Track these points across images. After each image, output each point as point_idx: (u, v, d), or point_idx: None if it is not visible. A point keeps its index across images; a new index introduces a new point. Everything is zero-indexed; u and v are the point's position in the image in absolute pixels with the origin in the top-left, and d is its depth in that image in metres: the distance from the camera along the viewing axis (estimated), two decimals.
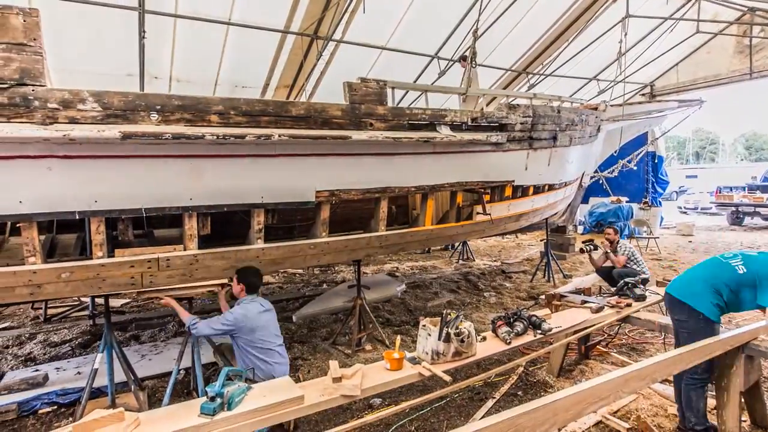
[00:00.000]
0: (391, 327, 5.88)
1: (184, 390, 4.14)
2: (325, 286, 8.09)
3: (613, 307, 4.05)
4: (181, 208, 3.43)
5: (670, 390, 3.77)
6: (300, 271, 9.17)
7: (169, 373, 4.34)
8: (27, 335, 5.63)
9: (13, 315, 6.45)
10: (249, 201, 3.70)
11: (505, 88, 10.90)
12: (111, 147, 3.03)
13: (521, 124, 5.32)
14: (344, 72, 5.69)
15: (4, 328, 5.91)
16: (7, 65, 2.71)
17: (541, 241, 9.93)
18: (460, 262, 10.25)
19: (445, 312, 2.96)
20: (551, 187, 6.78)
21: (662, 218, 14.95)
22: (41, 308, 6.37)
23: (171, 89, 7.38)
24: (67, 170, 2.97)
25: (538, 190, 6.40)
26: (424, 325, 2.97)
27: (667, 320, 3.81)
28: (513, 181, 5.64)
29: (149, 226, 4.52)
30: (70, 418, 3.72)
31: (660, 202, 14.67)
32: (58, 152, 2.91)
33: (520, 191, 5.98)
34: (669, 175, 15.38)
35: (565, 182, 7.33)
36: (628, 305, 4.09)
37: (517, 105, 5.41)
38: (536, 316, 3.55)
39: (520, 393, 4.04)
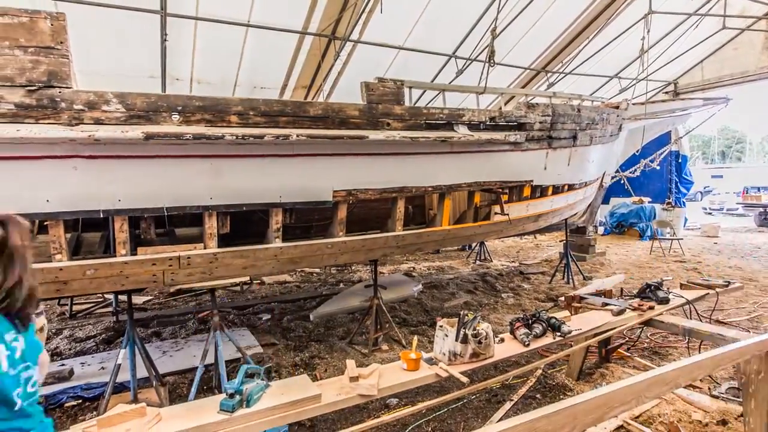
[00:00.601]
0: (408, 327, 5.87)
1: (204, 387, 4.20)
2: (341, 285, 8.13)
3: (635, 309, 3.96)
4: (201, 207, 3.48)
5: (694, 395, 3.67)
6: (317, 270, 9.23)
7: (190, 370, 4.43)
8: (53, 330, 5.80)
9: (41, 311, 6.64)
10: (267, 200, 3.74)
11: (523, 87, 10.78)
12: (134, 147, 3.09)
13: (540, 123, 5.25)
14: (361, 72, 5.71)
15: None
16: (36, 68, 2.79)
17: (560, 241, 9.80)
18: (478, 262, 10.17)
19: (462, 313, 2.94)
20: (571, 187, 6.67)
21: (686, 219, 14.58)
22: (67, 304, 6.55)
23: (192, 90, 7.51)
24: (92, 170, 3.04)
25: (557, 190, 6.30)
26: (441, 326, 2.96)
27: (691, 324, 3.71)
28: (532, 180, 5.57)
29: (170, 225, 4.60)
30: (94, 412, 3.81)
31: (684, 202, 14.30)
32: (84, 152, 2.99)
33: (539, 191, 5.90)
34: (693, 175, 14.98)
35: (585, 182, 7.20)
36: (651, 308, 4.00)
37: (536, 104, 5.34)
38: (555, 318, 3.50)
39: (538, 396, 3.98)
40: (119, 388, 3.91)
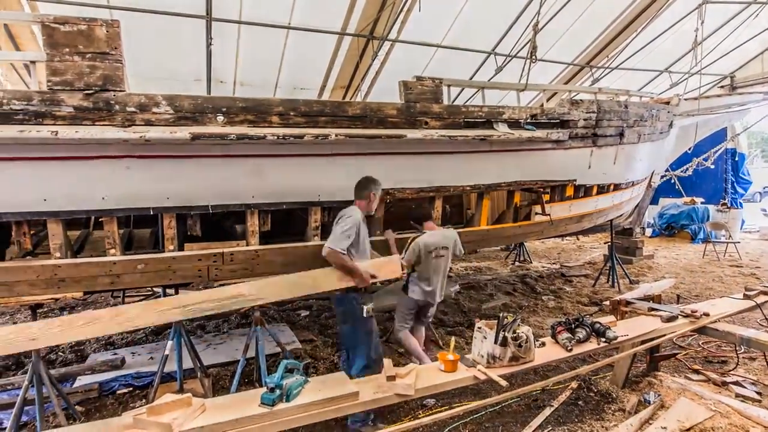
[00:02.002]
0: (444, 328, 5.82)
1: (246, 380, 4.32)
2: (378, 284, 8.14)
3: (687, 316, 3.75)
4: (244, 205, 3.58)
5: (752, 409, 3.44)
6: None
7: (232, 362, 4.57)
8: None
9: (96, 302, 7.05)
10: (306, 199, 3.80)
11: (566, 84, 10.44)
12: (181, 147, 3.22)
13: (584, 120, 5.07)
14: (399, 71, 5.69)
15: None
16: (93, 72, 2.96)
17: (604, 243, 9.42)
18: (517, 263, 9.94)
19: (501, 315, 2.88)
20: (617, 187, 6.40)
21: (743, 221, 13.67)
22: (119, 297, 6.91)
23: (235, 92, 7.75)
24: (143, 169, 3.19)
25: (602, 189, 6.06)
26: (479, 328, 2.91)
27: (750, 333, 3.48)
28: (575, 180, 5.38)
29: (215, 222, 4.76)
30: (144, 400, 4.01)
31: (741, 203, 13.41)
32: (136, 152, 3.14)
33: (583, 191, 5.69)
34: (751, 174, 14.02)
35: (632, 182, 6.89)
36: (706, 315, 3.78)
37: (580, 100, 5.16)
38: (600, 323, 3.37)
39: (580, 403, 3.85)
40: (167, 378, 4.08)
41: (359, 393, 2.53)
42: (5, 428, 3.41)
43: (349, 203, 3.96)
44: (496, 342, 2.79)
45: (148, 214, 3.33)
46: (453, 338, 3.25)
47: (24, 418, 3.60)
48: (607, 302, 4.49)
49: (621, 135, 5.63)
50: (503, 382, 2.63)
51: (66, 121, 2.89)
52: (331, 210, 4.16)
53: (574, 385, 4.05)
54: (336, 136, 3.52)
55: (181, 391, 3.89)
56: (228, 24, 6.57)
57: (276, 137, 3.32)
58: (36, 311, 3.48)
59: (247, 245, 3.68)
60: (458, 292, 7.21)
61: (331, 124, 3.61)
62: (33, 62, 3.07)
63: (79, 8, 5.65)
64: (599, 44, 9.82)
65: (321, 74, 8.29)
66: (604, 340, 3.26)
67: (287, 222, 4.23)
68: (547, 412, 3.63)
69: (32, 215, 3.03)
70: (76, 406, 3.81)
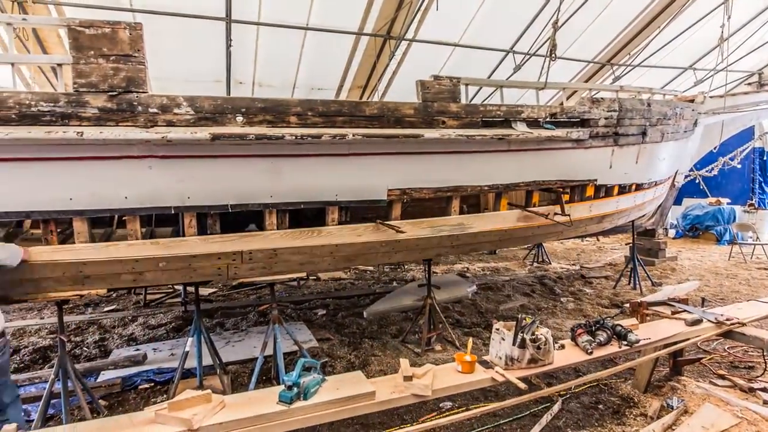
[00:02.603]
0: (462, 328, 5.78)
1: (264, 377, 4.37)
2: (395, 283, 8.15)
3: (717, 322, 3.64)
4: (262, 204, 3.62)
5: None
6: (370, 268, 9.32)
7: (251, 360, 4.62)
8: (129, 318, 6.28)
9: (119, 299, 7.22)
10: (324, 199, 3.81)
11: (586, 82, 10.26)
12: (202, 147, 3.26)
13: (605, 119, 4.97)
14: (416, 71, 5.67)
15: (112, 310, 6.63)
16: (116, 74, 3.03)
17: (626, 244, 9.23)
18: (535, 264, 9.82)
19: (520, 316, 2.85)
20: (639, 187, 6.26)
21: None
22: (142, 294, 7.06)
23: (254, 93, 7.83)
24: (164, 169, 3.25)
25: (623, 189, 5.94)
26: (497, 329, 2.88)
27: None
28: (595, 180, 5.28)
29: (233, 221, 4.82)
30: (165, 395, 4.08)
31: None
32: (158, 152, 3.19)
33: (604, 191, 5.58)
34: None
35: (655, 181, 6.73)
36: (733, 320, 3.67)
37: (601, 98, 5.06)
38: (621, 326, 3.30)
39: (600, 407, 3.78)
40: (187, 374, 4.16)
41: (375, 393, 2.53)
42: (33, 420, 3.52)
43: (365, 203, 3.97)
44: (514, 344, 2.76)
45: (169, 213, 3.39)
46: (471, 339, 3.22)
47: (50, 411, 3.71)
48: (628, 305, 4.40)
49: (643, 134, 5.50)
50: (522, 385, 2.60)
51: (91, 122, 2.96)
52: (349, 209, 4.17)
53: (595, 389, 3.97)
54: (353, 135, 3.53)
55: (200, 387, 3.96)
56: (247, 25, 6.65)
57: (294, 137, 3.34)
58: (62, 307, 3.58)
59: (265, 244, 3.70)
60: (475, 293, 7.16)
61: (349, 124, 3.62)
62: (59, 65, 3.16)
63: (102, 12, 5.79)
64: (621, 41, 9.62)
65: (338, 74, 8.32)
66: (625, 343, 3.19)
67: (305, 221, 4.26)
68: (567, 416, 3.58)
69: (59, 214, 3.12)
70: (99, 400, 3.91)
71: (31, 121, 2.84)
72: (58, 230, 3.24)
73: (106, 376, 4.44)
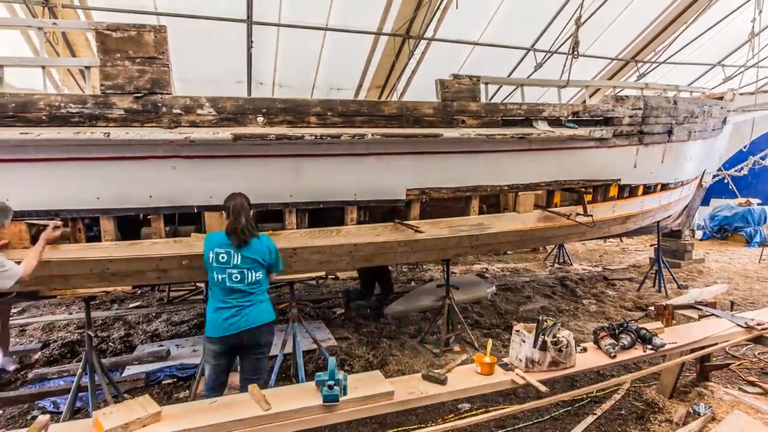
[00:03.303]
0: (480, 329, 5.73)
1: (283, 375, 4.41)
2: (413, 283, 8.13)
3: (747, 327, 3.52)
4: (282, 204, 3.65)
5: None
6: (389, 267, 9.31)
7: (271, 357, 4.64)
8: (153, 314, 6.43)
9: (143, 296, 7.39)
10: (343, 198, 3.83)
11: (609, 79, 10.04)
12: (223, 148, 3.32)
13: (630, 117, 4.86)
14: (435, 70, 5.64)
15: (136, 307, 6.80)
16: (142, 76, 3.10)
17: (650, 246, 8.99)
18: (556, 265, 9.66)
19: (541, 318, 2.80)
20: (665, 187, 6.09)
21: None
22: (165, 291, 7.22)
23: (274, 94, 7.92)
24: (187, 169, 3.31)
25: (648, 189, 5.79)
26: (517, 331, 2.85)
27: None
28: (619, 179, 5.17)
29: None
30: (187, 390, 4.16)
31: None
32: (181, 152, 3.26)
33: (628, 191, 5.46)
34: None
35: (681, 181, 6.55)
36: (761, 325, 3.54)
37: (625, 96, 4.95)
38: (646, 330, 3.22)
39: (623, 412, 3.70)
40: None
41: (394, 393, 2.52)
42: (62, 412, 3.63)
43: (384, 203, 3.96)
44: (535, 346, 2.72)
45: (192, 212, 3.45)
46: (490, 341, 3.19)
47: (78, 404, 3.82)
48: (653, 307, 4.29)
49: (669, 132, 5.36)
50: (543, 388, 2.56)
51: (117, 123, 3.04)
52: (368, 209, 4.18)
53: (617, 395, 3.88)
54: (372, 135, 3.53)
55: None
56: (267, 27, 6.73)
57: (314, 137, 3.37)
58: (89, 303, 3.68)
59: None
60: (495, 294, 7.08)
61: (368, 124, 3.62)
62: (87, 67, 3.25)
63: (128, 15, 5.94)
64: (646, 38, 9.39)
65: (357, 74, 8.35)
66: (650, 347, 3.12)
67: (324, 221, 4.28)
68: (590, 420, 3.51)
69: (87, 212, 3.21)
70: (124, 394, 4.00)
71: (60, 122, 2.93)
72: (86, 228, 3.34)
73: (130, 370, 4.55)
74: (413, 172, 4.00)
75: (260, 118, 3.33)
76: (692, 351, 3.47)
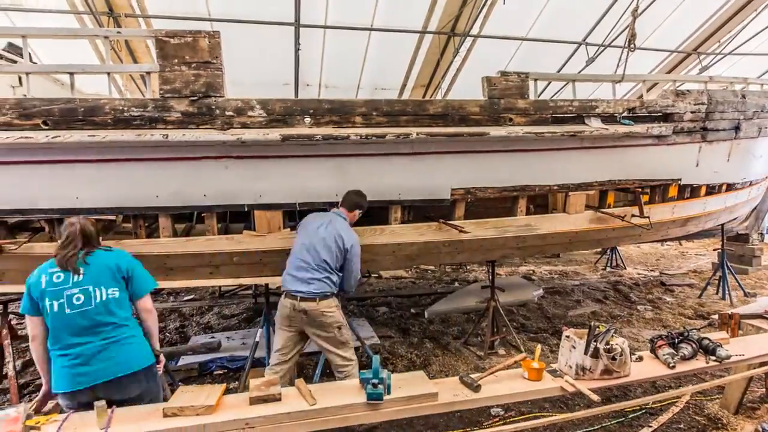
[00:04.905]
0: (527, 333, 5.58)
1: (326, 370, 4.47)
2: (456, 284, 8.04)
3: None
4: (327, 204, 3.71)
5: None
6: (432, 267, 9.26)
7: (315, 353, 4.76)
8: (206, 307, 6.73)
9: (197, 289, 7.75)
10: (387, 198, 3.83)
11: (668, 73, 9.47)
12: (272, 148, 3.41)
13: (692, 113, 4.56)
14: (481, 67, 5.54)
15: (190, 300, 7.14)
16: (197, 80, 3.24)
17: (713, 250, 8.40)
18: (608, 269, 9.24)
19: (593, 324, 2.68)
20: (730, 187, 5.67)
21: None
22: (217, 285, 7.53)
23: (320, 95, 8.07)
24: (239, 169, 3.43)
25: (712, 190, 5.42)
26: (568, 336, 2.74)
27: None
28: (679, 179, 4.86)
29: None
30: (237, 382, 4.32)
31: None
32: (233, 153, 3.38)
33: (689, 191, 5.13)
34: None
35: (749, 181, 6.08)
36: None
37: (687, 91, 4.64)
38: (709, 340, 3.00)
39: (682, 426, 3.48)
40: (257, 363, 4.36)
41: (438, 394, 2.50)
42: None
43: (428, 202, 3.93)
44: (586, 352, 2.61)
45: (242, 210, 3.58)
46: (539, 345, 3.09)
47: None
48: (718, 316, 4.01)
49: (736, 128, 4.98)
50: (594, 397, 2.45)
51: (174, 125, 3.20)
52: (412, 208, 4.17)
53: (676, 407, 3.66)
54: (417, 134, 3.52)
55: None
56: (314, 29, 6.86)
57: (359, 137, 3.40)
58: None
59: None
60: (541, 297, 6.88)
61: (413, 123, 3.61)
62: (148, 73, 3.44)
63: (184, 22, 6.24)
64: (709, 28, 8.79)
65: (401, 74, 8.36)
66: (714, 358, 2.90)
67: (368, 220, 4.31)
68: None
69: (147, 210, 3.40)
70: (179, 383, 4.21)
71: (124, 125, 3.12)
72: (146, 225, 3.54)
73: (185, 360, 4.78)
74: (458, 171, 3.94)
75: (307, 119, 3.40)
76: (762, 364, 3.20)
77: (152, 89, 3.41)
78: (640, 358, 2.92)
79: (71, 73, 3.26)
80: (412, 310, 6.46)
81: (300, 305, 3.16)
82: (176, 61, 3.23)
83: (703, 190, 5.28)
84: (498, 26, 7.48)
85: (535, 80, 4.25)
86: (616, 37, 7.38)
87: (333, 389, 2.60)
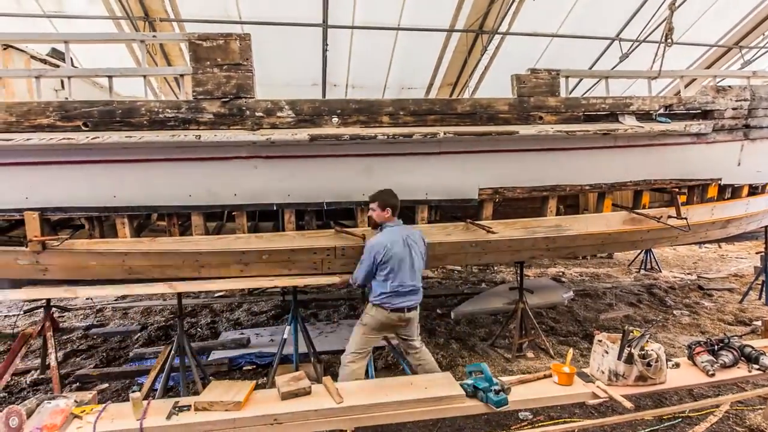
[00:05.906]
0: (556, 336, 5.46)
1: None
2: (483, 285, 7.94)
3: None
4: (354, 203, 3.73)
5: None
6: (458, 267, 9.19)
7: (342, 351, 4.79)
8: (236, 304, 6.88)
9: None
10: (414, 197, 3.82)
11: (707, 68, 9.09)
12: (301, 148, 3.45)
13: (733, 109, 4.35)
14: (509, 65, 5.45)
15: (221, 296, 7.31)
16: (228, 82, 3.31)
17: (756, 253, 8.01)
18: (642, 272, 8.94)
19: (627, 328, 2.60)
20: None
21: None
22: None
23: (347, 95, 8.12)
24: (268, 169, 3.49)
25: (755, 190, 5.16)
26: (600, 341, 2.67)
27: None
28: (720, 179, 4.65)
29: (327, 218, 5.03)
30: (265, 377, 4.39)
31: None
32: (262, 153, 3.44)
33: (730, 191, 4.90)
34: None
35: None
36: None
37: (728, 87, 4.43)
38: (752, 347, 2.87)
39: None
40: (284, 360, 4.42)
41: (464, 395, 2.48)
42: (156, 389, 4.00)
43: (455, 202, 3.90)
44: (620, 358, 2.53)
45: (271, 209, 3.64)
46: (570, 349, 3.02)
47: (170, 383, 4.18)
48: (761, 323, 3.82)
49: None
50: (628, 404, 2.38)
51: (207, 126, 3.28)
52: (438, 208, 4.14)
53: (714, 417, 3.51)
54: (444, 134, 3.49)
55: None
56: (341, 30, 6.91)
57: (386, 137, 3.40)
58: (180, 293, 4.01)
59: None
60: (572, 299, 6.71)
61: (440, 123, 3.58)
62: (182, 75, 3.53)
63: (216, 25, 6.39)
64: (751, 21, 8.39)
65: (428, 73, 8.32)
66: (757, 367, 2.78)
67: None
68: None
69: (181, 209, 3.50)
70: (210, 377, 4.32)
71: (159, 126, 3.22)
72: (179, 223, 3.64)
73: (215, 355, 4.90)
74: (486, 170, 3.89)
75: (335, 119, 3.42)
76: None
77: (185, 91, 3.50)
78: (677, 365, 2.82)
79: (110, 76, 3.38)
80: (439, 311, 6.42)
81: (406, 315, 3.49)
82: (208, 63, 3.31)
83: (746, 190, 5.04)
84: (527, 23, 7.35)
85: (566, 77, 4.15)
86: (652, 32, 7.13)
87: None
